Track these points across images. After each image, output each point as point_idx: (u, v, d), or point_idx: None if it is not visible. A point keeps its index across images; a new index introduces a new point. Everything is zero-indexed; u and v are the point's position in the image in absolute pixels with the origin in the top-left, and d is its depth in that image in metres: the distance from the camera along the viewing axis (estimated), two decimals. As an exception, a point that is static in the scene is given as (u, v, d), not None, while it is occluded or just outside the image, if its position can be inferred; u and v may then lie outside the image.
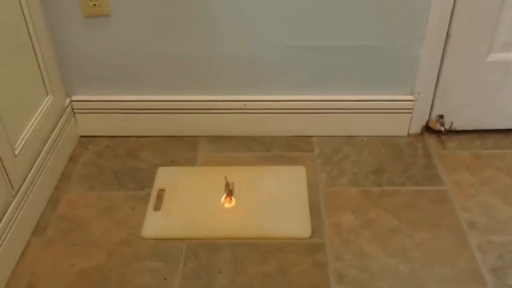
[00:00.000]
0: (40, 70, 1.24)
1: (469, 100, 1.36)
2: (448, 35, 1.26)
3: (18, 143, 1.12)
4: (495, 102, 1.36)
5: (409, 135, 1.42)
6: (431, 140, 1.41)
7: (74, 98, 1.38)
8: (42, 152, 1.22)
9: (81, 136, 1.44)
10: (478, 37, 1.26)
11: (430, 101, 1.37)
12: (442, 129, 1.38)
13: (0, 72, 1.07)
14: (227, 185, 1.20)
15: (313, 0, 1.22)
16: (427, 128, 1.42)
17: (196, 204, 1.21)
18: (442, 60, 1.30)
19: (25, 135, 1.15)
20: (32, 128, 1.18)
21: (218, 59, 1.31)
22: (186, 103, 1.38)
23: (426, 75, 1.32)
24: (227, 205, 1.20)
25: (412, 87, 1.35)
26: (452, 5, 1.21)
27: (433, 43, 1.27)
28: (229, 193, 1.20)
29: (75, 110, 1.39)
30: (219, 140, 1.41)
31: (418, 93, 1.35)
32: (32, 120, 1.19)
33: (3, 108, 1.06)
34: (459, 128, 1.40)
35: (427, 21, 1.24)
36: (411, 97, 1.36)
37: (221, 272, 1.05)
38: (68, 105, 1.37)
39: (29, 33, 1.18)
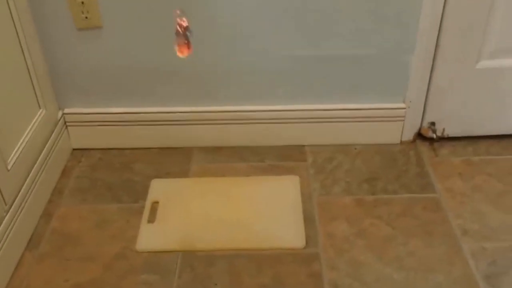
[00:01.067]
0: (32, 84, 1.23)
1: (460, 107, 1.37)
2: (437, 44, 1.27)
3: (11, 157, 1.11)
4: (486, 108, 1.38)
5: (401, 143, 1.43)
6: (424, 147, 1.42)
7: (66, 110, 1.38)
8: (35, 166, 1.21)
9: (74, 149, 1.43)
10: (467, 45, 1.28)
11: (422, 109, 1.38)
12: (434, 136, 1.39)
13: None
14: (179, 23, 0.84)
15: (304, 10, 1.23)
16: (420, 136, 1.43)
17: (190, 216, 1.21)
18: (432, 68, 1.31)
19: (18, 149, 1.15)
20: (25, 142, 1.17)
21: (211, 70, 1.32)
22: (180, 114, 1.38)
23: (417, 83, 1.33)
24: (181, 54, 0.90)
25: (404, 95, 1.36)
26: (441, 14, 1.23)
27: (424, 52, 1.28)
28: (183, 34, 0.84)
29: (67, 123, 1.39)
30: (213, 151, 1.41)
31: (410, 101, 1.36)
32: (25, 134, 1.19)
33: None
34: (451, 135, 1.41)
35: (417, 29, 1.25)
36: (402, 105, 1.37)
37: (216, 284, 1.05)
38: (61, 118, 1.37)
39: (21, 47, 1.18)
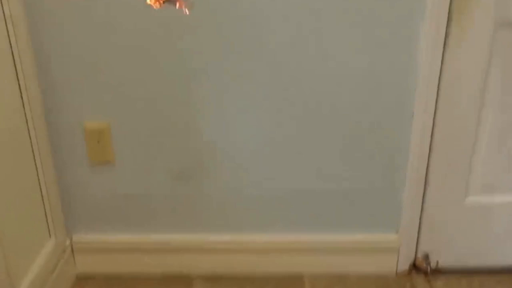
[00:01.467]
0: (45, 213, 1.29)
1: (452, 240, 1.41)
2: (426, 181, 1.34)
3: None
4: (477, 242, 1.41)
5: (397, 274, 1.45)
6: (419, 279, 1.43)
7: (74, 238, 1.42)
8: (42, 295, 1.23)
9: (78, 274, 1.45)
10: (454, 183, 1.35)
11: (415, 241, 1.42)
12: (428, 268, 1.41)
13: (7, 216, 1.11)
14: None
15: (302, 144, 1.32)
16: (415, 267, 1.45)
17: None
18: (423, 204, 1.37)
19: (28, 279, 1.17)
20: (34, 272, 1.20)
21: (210, 200, 1.38)
22: (180, 242, 1.42)
23: (409, 217, 1.39)
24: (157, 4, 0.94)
25: (397, 228, 1.41)
26: (427, 153, 1.31)
27: (414, 188, 1.35)
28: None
29: (74, 249, 1.43)
30: (213, 280, 1.43)
31: (403, 233, 1.40)
32: (35, 264, 1.22)
33: (8, 253, 1.09)
34: (445, 266, 1.43)
35: (406, 167, 1.33)
36: (396, 237, 1.41)
37: None
38: (68, 245, 1.41)
39: (38, 179, 1.26)
